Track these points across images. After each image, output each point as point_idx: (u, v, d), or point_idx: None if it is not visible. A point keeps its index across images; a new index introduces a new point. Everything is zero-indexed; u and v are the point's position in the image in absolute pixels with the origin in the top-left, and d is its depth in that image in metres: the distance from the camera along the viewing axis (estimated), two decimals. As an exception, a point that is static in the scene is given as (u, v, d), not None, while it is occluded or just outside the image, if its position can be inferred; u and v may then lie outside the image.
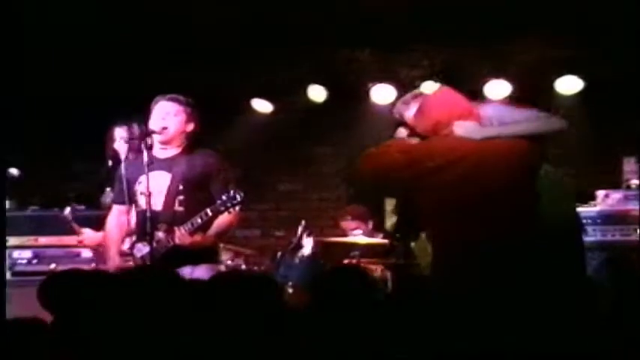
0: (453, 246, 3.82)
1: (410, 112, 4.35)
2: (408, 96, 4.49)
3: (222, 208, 4.30)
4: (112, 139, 5.26)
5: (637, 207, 5.73)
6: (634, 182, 5.91)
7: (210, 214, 4.32)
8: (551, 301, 3.53)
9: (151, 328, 2.60)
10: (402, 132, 4.65)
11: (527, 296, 3.49)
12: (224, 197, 4.28)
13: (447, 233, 3.85)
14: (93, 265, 5.23)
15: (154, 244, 4.35)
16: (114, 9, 6.08)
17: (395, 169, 4.03)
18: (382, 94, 7.11)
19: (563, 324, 2.90)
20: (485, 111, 4.13)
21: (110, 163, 5.24)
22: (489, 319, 2.77)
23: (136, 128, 5.09)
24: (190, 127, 4.58)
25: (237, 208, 4.36)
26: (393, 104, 6.04)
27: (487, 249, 3.73)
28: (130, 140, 5.11)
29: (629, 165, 6.03)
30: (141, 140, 4.53)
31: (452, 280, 3.80)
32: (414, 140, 4.20)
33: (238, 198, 4.26)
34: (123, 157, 5.09)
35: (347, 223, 6.54)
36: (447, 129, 3.91)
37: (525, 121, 4.10)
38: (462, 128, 4.00)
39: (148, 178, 4.38)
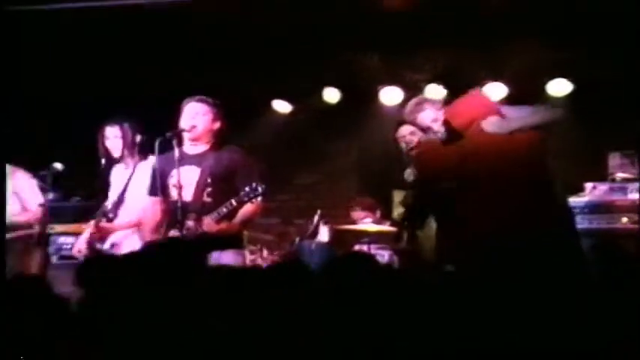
0: (478, 228, 4.02)
1: (425, 114, 4.53)
2: (421, 100, 4.67)
3: (246, 199, 4.40)
4: (104, 138, 5.19)
5: (621, 197, 5.94)
6: (618, 175, 6.12)
7: (234, 204, 4.41)
8: (557, 284, 3.38)
9: (178, 314, 2.52)
10: (405, 129, 5.04)
11: (537, 282, 3.37)
12: (247, 189, 4.36)
13: (479, 217, 4.02)
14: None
15: (184, 232, 4.44)
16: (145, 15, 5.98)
17: (438, 168, 4.33)
18: (389, 95, 7.33)
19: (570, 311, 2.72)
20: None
21: (103, 161, 5.17)
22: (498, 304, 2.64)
23: (127, 127, 5.12)
24: (217, 125, 4.69)
25: (258, 198, 4.46)
26: (400, 105, 6.85)
27: (510, 232, 3.95)
28: (123, 139, 5.12)
29: (613, 160, 6.23)
30: (172, 138, 4.56)
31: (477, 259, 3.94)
32: (434, 136, 4.43)
33: (260, 190, 4.36)
34: (117, 155, 5.11)
35: (357, 214, 6.71)
36: (479, 125, 4.18)
37: (533, 114, 4.38)
38: (492, 125, 4.23)
39: (179, 172, 4.48)
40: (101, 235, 5.00)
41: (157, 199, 4.63)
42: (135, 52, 6.66)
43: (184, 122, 4.65)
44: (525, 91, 6.55)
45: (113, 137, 5.09)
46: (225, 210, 4.41)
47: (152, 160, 4.97)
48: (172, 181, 4.54)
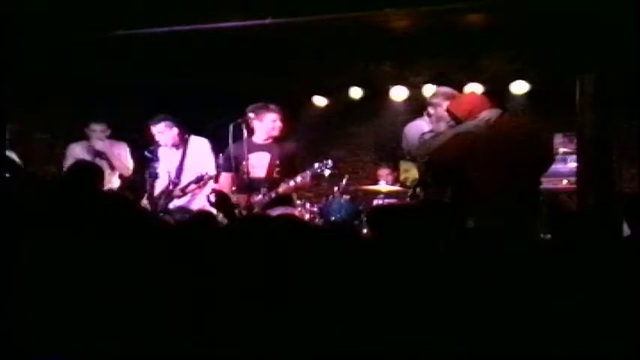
0: (485, 187, 4.15)
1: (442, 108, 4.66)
2: (449, 93, 4.76)
3: (319, 171, 4.70)
4: (163, 129, 5.36)
5: (563, 165, 6.46)
6: (561, 150, 6.69)
7: (309, 174, 4.68)
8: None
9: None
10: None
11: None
12: (318, 163, 4.65)
13: (482, 180, 4.18)
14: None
15: (261, 196, 4.82)
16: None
17: (449, 156, 4.42)
18: (397, 93, 7.81)
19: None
20: None
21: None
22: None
23: (172, 123, 5.41)
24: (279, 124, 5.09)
25: (329, 171, 4.68)
26: (406, 100, 7.62)
27: (504, 189, 4.11)
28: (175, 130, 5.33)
29: (558, 139, 6.79)
30: (242, 123, 4.87)
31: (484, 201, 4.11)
32: (447, 122, 4.49)
33: (330, 164, 4.70)
34: (169, 142, 5.39)
35: (381, 171, 7.35)
36: (473, 116, 4.32)
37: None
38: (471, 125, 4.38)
39: (247, 157, 4.89)
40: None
41: (229, 174, 5.05)
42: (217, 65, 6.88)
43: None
44: (495, 90, 6.69)
45: (166, 129, 5.41)
46: (300, 179, 4.72)
47: (198, 139, 5.33)
48: (245, 162, 4.88)
